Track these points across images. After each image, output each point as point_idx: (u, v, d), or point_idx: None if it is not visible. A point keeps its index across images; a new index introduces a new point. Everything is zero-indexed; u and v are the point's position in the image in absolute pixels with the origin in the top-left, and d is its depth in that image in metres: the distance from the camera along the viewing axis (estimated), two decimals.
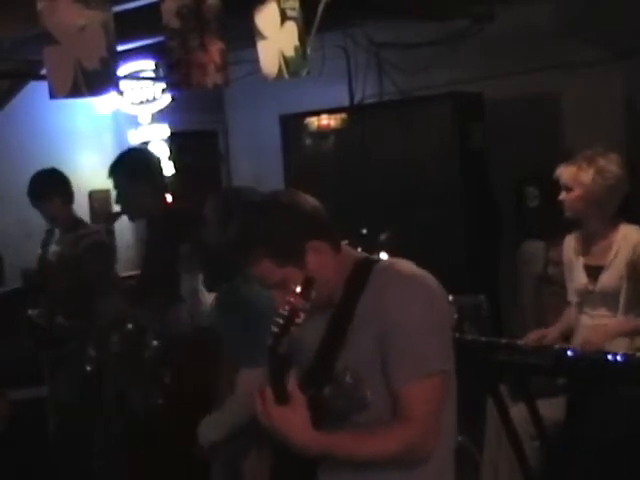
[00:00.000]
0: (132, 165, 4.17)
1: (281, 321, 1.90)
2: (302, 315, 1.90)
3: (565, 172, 3.66)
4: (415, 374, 1.99)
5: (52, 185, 4.67)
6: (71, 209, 4.75)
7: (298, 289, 1.92)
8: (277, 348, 1.90)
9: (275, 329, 1.90)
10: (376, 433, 2.01)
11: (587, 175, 3.59)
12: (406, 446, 2.00)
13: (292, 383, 1.96)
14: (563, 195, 3.67)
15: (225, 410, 3.07)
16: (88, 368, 4.12)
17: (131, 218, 4.39)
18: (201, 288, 3.92)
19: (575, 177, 3.61)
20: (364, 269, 2.10)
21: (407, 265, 2.12)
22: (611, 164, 3.60)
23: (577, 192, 3.62)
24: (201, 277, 3.85)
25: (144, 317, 3.97)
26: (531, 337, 3.70)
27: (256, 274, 2.08)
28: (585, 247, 3.75)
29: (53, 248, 4.69)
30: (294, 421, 1.94)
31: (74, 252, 4.50)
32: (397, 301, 2.00)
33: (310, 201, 2.11)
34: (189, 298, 3.96)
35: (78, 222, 4.74)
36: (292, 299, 1.91)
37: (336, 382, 2.06)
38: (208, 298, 3.83)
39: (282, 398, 1.94)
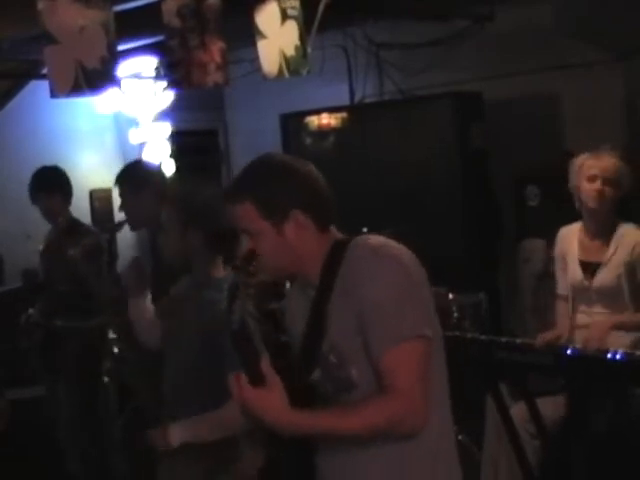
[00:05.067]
0: (135, 176, 4.21)
1: (226, 298, 1.96)
2: (244, 288, 1.94)
3: (611, 165, 3.61)
4: (389, 342, 1.97)
5: (54, 180, 4.74)
6: (68, 209, 4.77)
7: (238, 262, 1.97)
8: (231, 325, 1.92)
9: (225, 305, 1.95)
10: (358, 407, 1.99)
11: (627, 173, 3.61)
12: (391, 418, 1.96)
13: (266, 365, 1.96)
14: (599, 186, 3.60)
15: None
16: (106, 379, 4.20)
17: (132, 227, 4.41)
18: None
19: (620, 174, 3.60)
20: (340, 248, 2.11)
21: (377, 239, 2.13)
22: (626, 162, 3.64)
23: (616, 188, 3.60)
24: None
25: None
26: (546, 339, 3.59)
27: (235, 214, 2.13)
28: (582, 242, 3.75)
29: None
30: (270, 402, 1.93)
31: (72, 257, 4.50)
32: (366, 275, 2.01)
33: (315, 176, 2.18)
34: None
35: (75, 223, 4.77)
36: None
37: (323, 364, 2.07)
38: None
39: (258, 380, 1.94)
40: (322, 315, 2.07)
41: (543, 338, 3.57)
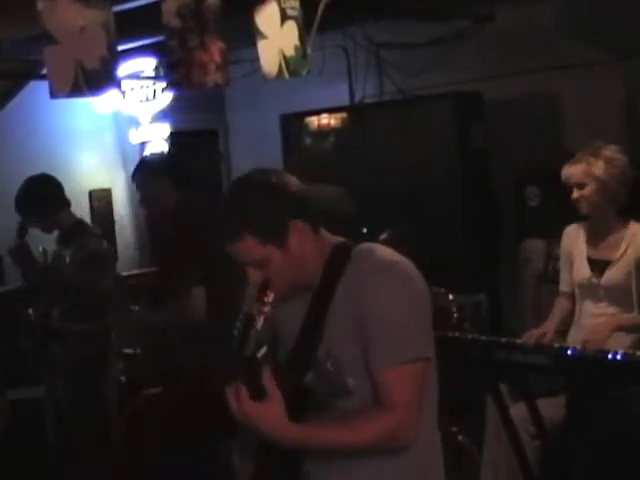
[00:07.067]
0: (153, 161, 4.25)
1: (240, 327, 1.94)
2: (261, 319, 1.93)
3: (574, 171, 3.62)
4: (394, 361, 1.98)
5: (37, 205, 4.43)
6: (68, 212, 4.57)
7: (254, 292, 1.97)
8: (243, 352, 1.92)
9: (236, 334, 1.93)
10: (355, 422, 2.00)
11: (598, 167, 3.57)
12: (386, 434, 1.98)
13: (267, 378, 1.95)
14: (577, 194, 3.62)
15: None
16: (123, 379, 4.19)
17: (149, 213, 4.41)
18: None
19: (587, 172, 3.58)
20: (342, 253, 2.09)
21: (385, 251, 2.11)
22: (616, 152, 3.61)
23: (592, 186, 3.58)
24: None
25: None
26: (531, 338, 3.64)
27: (236, 251, 2.07)
28: (590, 240, 3.75)
29: (55, 249, 4.67)
30: (269, 415, 1.93)
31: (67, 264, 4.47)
32: (375, 290, 1.99)
33: (295, 181, 2.11)
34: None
35: (75, 228, 4.56)
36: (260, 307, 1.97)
37: (318, 369, 2.06)
38: None
39: (258, 393, 1.93)
40: (321, 320, 2.07)
41: (530, 336, 3.60)
